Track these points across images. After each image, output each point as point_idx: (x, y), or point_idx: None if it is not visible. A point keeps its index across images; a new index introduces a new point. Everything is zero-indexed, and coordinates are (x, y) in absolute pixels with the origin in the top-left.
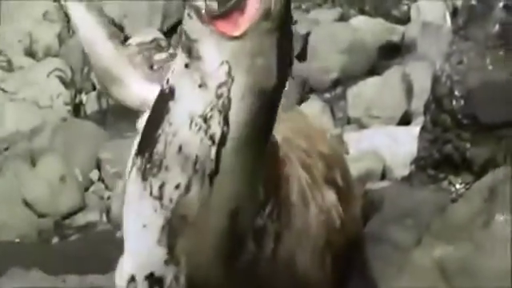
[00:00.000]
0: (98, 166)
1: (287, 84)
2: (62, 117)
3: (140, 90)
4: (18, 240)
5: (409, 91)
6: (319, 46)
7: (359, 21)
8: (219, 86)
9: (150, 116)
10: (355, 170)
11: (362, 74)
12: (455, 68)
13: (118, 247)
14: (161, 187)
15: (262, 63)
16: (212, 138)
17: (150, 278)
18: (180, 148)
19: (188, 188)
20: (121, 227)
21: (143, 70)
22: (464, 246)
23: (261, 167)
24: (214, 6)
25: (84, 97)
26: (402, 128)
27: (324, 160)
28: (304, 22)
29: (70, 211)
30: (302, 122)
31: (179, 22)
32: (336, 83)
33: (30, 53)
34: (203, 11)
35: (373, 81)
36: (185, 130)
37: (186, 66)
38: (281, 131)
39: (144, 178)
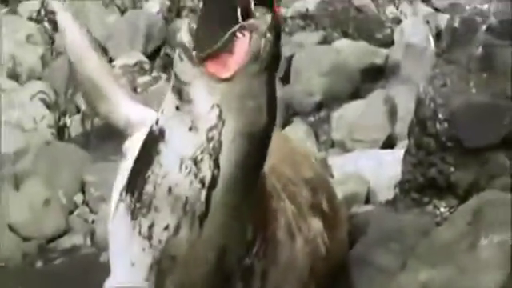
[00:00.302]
0: (83, 189)
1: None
2: (46, 140)
3: (125, 110)
4: (2, 264)
5: (392, 114)
6: (302, 68)
7: (342, 44)
8: (210, 129)
9: (139, 154)
10: (340, 193)
11: (345, 97)
12: (439, 91)
13: (102, 270)
14: (150, 227)
15: (252, 105)
16: (202, 181)
17: None
18: (170, 190)
19: (177, 229)
20: (106, 250)
21: (127, 92)
22: (449, 270)
23: (250, 206)
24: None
25: (68, 119)
26: (386, 151)
27: (309, 186)
28: (287, 45)
29: (55, 234)
30: (286, 147)
31: (162, 45)
32: (319, 106)
33: (14, 75)
34: (193, 52)
35: (356, 104)
36: (175, 172)
37: (177, 108)
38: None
39: (133, 217)
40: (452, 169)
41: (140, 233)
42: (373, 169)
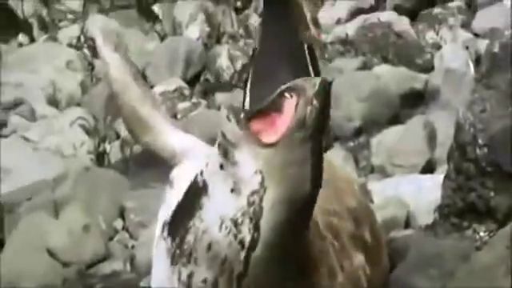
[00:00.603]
0: (122, 215)
1: None
2: (86, 166)
3: (169, 139)
4: None
5: (432, 139)
6: (342, 94)
7: (382, 69)
8: (251, 194)
9: (183, 200)
10: (380, 217)
11: (384, 122)
12: (478, 116)
13: None
14: (189, 276)
15: (295, 173)
16: (242, 242)
17: None
18: (209, 246)
19: (215, 285)
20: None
21: (170, 120)
22: None
23: (292, 269)
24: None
25: (107, 146)
26: (426, 176)
27: (353, 217)
28: (327, 71)
29: (94, 260)
30: (330, 173)
31: (202, 71)
32: (359, 131)
33: (53, 102)
34: (241, 114)
35: (396, 129)
36: (215, 229)
37: (221, 166)
38: None
39: (173, 262)
40: (492, 193)
41: (179, 279)
42: (412, 193)
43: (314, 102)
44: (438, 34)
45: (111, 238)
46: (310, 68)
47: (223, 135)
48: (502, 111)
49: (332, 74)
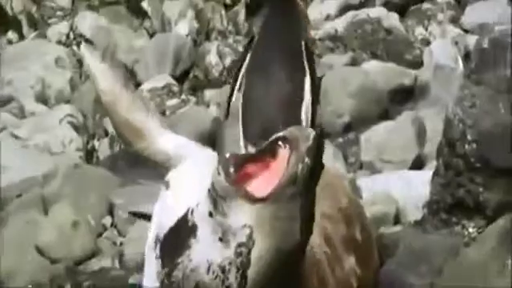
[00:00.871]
0: (111, 212)
1: None
2: (74, 163)
3: (162, 144)
4: (30, 286)
5: (421, 135)
6: (331, 90)
7: (371, 65)
8: (239, 246)
9: (174, 230)
10: (369, 213)
11: (374, 118)
12: (467, 112)
13: None
14: None
15: (285, 228)
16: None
17: None
18: (197, 285)
19: None
20: (134, 273)
21: (162, 124)
22: None
23: None
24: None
25: (96, 143)
26: (415, 172)
27: (344, 217)
28: (317, 67)
29: (83, 257)
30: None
31: (191, 67)
32: (348, 127)
33: (42, 99)
34: (231, 169)
35: (385, 125)
36: (202, 271)
37: (210, 214)
38: None
39: (162, 286)
40: (480, 189)
41: None
42: (401, 189)
43: (306, 159)
44: (427, 30)
45: (100, 235)
46: (306, 65)
47: (213, 186)
48: (491, 107)
49: (321, 69)
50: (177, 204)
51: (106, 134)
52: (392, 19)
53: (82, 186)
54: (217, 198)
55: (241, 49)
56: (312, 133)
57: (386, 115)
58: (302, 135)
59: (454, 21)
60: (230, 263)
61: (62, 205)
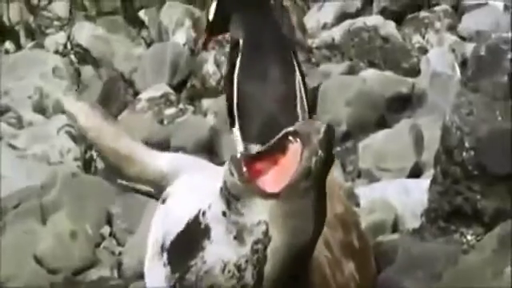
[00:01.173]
0: (109, 222)
1: None
2: (72, 172)
3: (153, 165)
4: None
5: (419, 143)
6: (328, 98)
7: (368, 73)
8: (255, 243)
9: (183, 234)
10: (367, 221)
11: (371, 126)
12: (465, 119)
13: None
14: None
15: (299, 223)
16: (245, 287)
17: None
18: (211, 287)
19: None
20: (133, 282)
21: (146, 148)
22: None
23: None
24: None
25: (94, 152)
26: (413, 180)
27: (341, 223)
28: (314, 75)
29: (81, 267)
30: None
31: (189, 76)
32: (346, 136)
33: (40, 109)
34: (244, 169)
35: (383, 133)
36: (217, 272)
37: (224, 214)
38: None
39: None
40: (478, 196)
41: None
42: (399, 197)
43: (320, 152)
44: (424, 38)
45: (98, 245)
46: (295, 63)
47: (225, 186)
48: (489, 114)
49: (319, 78)
50: (183, 211)
51: None
52: (389, 27)
53: (80, 196)
54: (230, 198)
55: None
56: (322, 126)
57: (383, 123)
58: (312, 128)
59: (451, 28)
60: (246, 261)
61: (60, 214)
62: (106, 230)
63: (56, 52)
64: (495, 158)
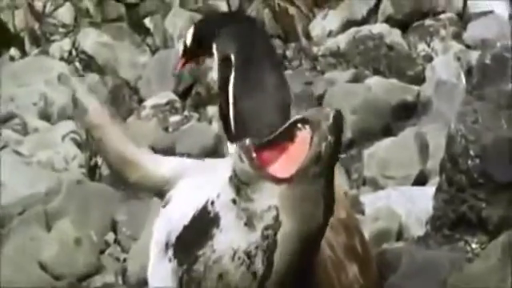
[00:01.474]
0: (114, 228)
1: None
2: (77, 179)
3: (156, 169)
4: None
5: (424, 151)
6: (333, 106)
7: (373, 81)
8: (266, 228)
9: (191, 226)
10: (372, 229)
11: (376, 134)
12: (470, 127)
13: None
14: None
15: (310, 209)
16: (254, 274)
17: None
18: (220, 276)
19: None
20: None
21: (158, 133)
22: None
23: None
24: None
25: (99, 159)
26: (418, 188)
27: (344, 227)
28: (319, 83)
29: (86, 273)
30: None
31: (193, 84)
32: (351, 144)
33: (45, 115)
34: (254, 154)
35: (388, 141)
36: (227, 260)
37: (234, 201)
38: None
39: (181, 285)
40: (483, 205)
41: None
42: (404, 205)
43: (329, 137)
44: (429, 46)
45: (103, 251)
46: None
47: (235, 173)
48: (494, 122)
49: (324, 86)
50: (187, 206)
51: None
52: (394, 35)
53: (85, 203)
54: (240, 185)
55: None
56: (331, 111)
57: (388, 131)
58: (322, 115)
59: (457, 36)
60: (256, 247)
61: (64, 221)
62: (110, 236)
63: (61, 59)
64: (500, 166)
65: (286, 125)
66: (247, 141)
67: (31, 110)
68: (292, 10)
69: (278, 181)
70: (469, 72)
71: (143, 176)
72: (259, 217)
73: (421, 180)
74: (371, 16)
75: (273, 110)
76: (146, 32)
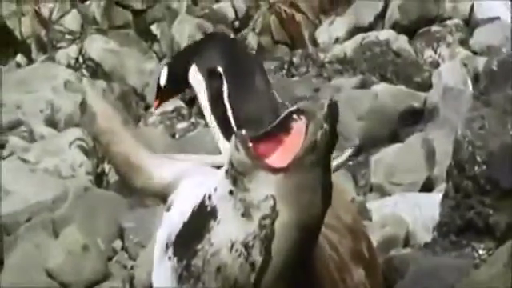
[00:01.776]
0: (121, 236)
1: None
2: (84, 186)
3: (159, 174)
4: None
5: (431, 157)
6: (340, 112)
7: (380, 87)
8: (263, 218)
9: (189, 222)
10: (379, 236)
11: (383, 141)
12: (477, 133)
13: None
14: None
15: (307, 198)
16: (253, 265)
17: None
18: (219, 269)
19: None
20: None
21: (165, 140)
22: None
23: (299, 283)
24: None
25: (106, 166)
26: (425, 194)
27: (350, 233)
28: (326, 90)
29: (93, 280)
30: None
31: None
32: (358, 150)
33: (52, 122)
34: (250, 144)
35: (395, 147)
36: (225, 252)
37: (231, 192)
38: None
39: (180, 282)
40: (490, 211)
41: None
42: (411, 212)
43: (325, 125)
44: (436, 52)
45: (110, 259)
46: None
47: (231, 164)
48: (501, 128)
49: (330, 92)
50: (186, 206)
51: None
52: (401, 42)
53: (92, 210)
54: (236, 175)
55: None
56: (326, 101)
57: (395, 137)
58: (316, 105)
59: (463, 43)
60: (254, 237)
61: (71, 228)
62: (117, 244)
63: (68, 66)
64: (507, 172)
65: (282, 116)
66: (243, 131)
67: (38, 117)
68: (299, 17)
69: (274, 170)
70: (475, 78)
71: (148, 181)
72: (256, 207)
73: (428, 186)
74: (378, 22)
75: (268, 110)
76: (152, 39)
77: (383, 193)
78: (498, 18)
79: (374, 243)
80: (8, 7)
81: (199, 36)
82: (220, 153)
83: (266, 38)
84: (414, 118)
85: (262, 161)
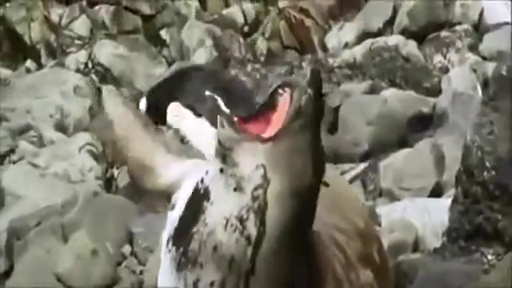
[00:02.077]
0: (130, 241)
1: None
2: (94, 191)
3: (167, 174)
4: None
5: (440, 162)
6: (349, 118)
7: (389, 93)
8: (255, 189)
9: (185, 210)
10: (388, 241)
11: (393, 146)
12: (486, 139)
13: None
14: (196, 281)
15: (297, 163)
16: (248, 238)
17: None
18: (215, 248)
19: (222, 286)
20: None
21: (173, 144)
22: None
23: (297, 266)
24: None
25: (115, 171)
26: (434, 199)
27: (361, 237)
28: (335, 95)
29: (102, 285)
30: (333, 192)
31: None
32: (367, 155)
33: (61, 127)
34: (235, 119)
35: (404, 152)
36: (220, 230)
37: (221, 170)
38: None
39: (179, 269)
40: (499, 216)
41: (186, 286)
42: (420, 217)
43: (308, 90)
44: (445, 58)
45: (119, 263)
46: None
47: (219, 141)
48: (510, 134)
49: (340, 97)
50: (184, 200)
51: None
52: (410, 47)
53: (101, 215)
54: (225, 152)
55: (258, 77)
56: (307, 69)
57: (404, 143)
58: (299, 74)
59: (473, 48)
60: (247, 210)
61: (80, 233)
62: (127, 249)
63: (77, 71)
64: None
65: (268, 94)
66: (227, 110)
67: (47, 122)
68: (308, 22)
69: (262, 140)
70: (485, 83)
71: (156, 181)
72: (247, 179)
73: (437, 192)
74: (387, 28)
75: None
76: (162, 44)
77: (392, 198)
78: (507, 24)
79: None
80: (18, 13)
81: (209, 41)
82: None
83: (276, 42)
84: (423, 124)
85: (248, 132)
